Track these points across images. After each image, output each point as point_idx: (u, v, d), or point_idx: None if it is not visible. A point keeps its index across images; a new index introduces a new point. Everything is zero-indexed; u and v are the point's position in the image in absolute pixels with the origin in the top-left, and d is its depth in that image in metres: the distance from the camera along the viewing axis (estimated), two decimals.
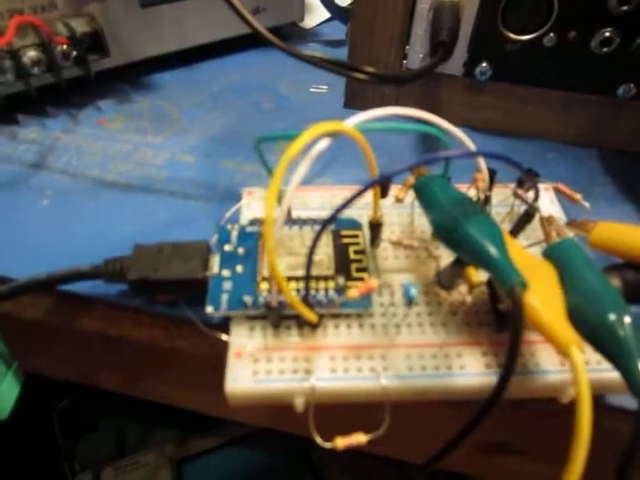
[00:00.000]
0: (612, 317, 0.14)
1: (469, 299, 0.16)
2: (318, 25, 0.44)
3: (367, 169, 0.26)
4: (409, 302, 0.15)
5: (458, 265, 0.16)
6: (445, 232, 0.16)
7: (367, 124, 0.15)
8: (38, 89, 0.30)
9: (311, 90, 0.34)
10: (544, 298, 0.15)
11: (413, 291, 0.15)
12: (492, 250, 0.15)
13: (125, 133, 0.30)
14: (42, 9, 0.29)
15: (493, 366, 0.17)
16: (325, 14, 0.43)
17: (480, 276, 0.16)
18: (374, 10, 0.28)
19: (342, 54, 0.32)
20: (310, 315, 0.16)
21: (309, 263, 0.15)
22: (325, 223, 0.15)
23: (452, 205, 0.17)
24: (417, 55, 0.29)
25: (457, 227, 0.16)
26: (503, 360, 0.17)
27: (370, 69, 0.24)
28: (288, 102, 0.34)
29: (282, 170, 0.13)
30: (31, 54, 0.28)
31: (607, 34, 0.26)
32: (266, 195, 0.13)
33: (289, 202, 0.14)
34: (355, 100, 0.32)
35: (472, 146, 0.18)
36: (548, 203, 0.23)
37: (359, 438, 0.17)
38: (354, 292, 0.16)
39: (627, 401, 0.19)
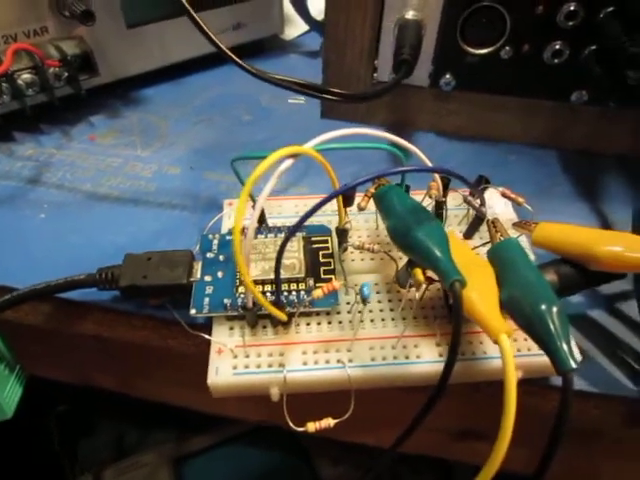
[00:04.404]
0: (543, 307, 0.17)
1: (417, 296, 0.18)
2: (299, 36, 0.46)
3: (340, 177, 0.29)
4: (363, 301, 0.17)
5: (411, 266, 0.19)
6: (399, 237, 0.19)
7: (326, 144, 0.17)
8: (32, 107, 0.32)
9: (289, 102, 0.37)
10: (481, 293, 0.17)
11: (367, 291, 0.17)
12: (437, 252, 0.17)
13: (116, 147, 0.32)
14: (34, 33, 0.31)
15: (445, 354, 0.19)
16: (305, 26, 0.45)
17: (422, 277, 0.18)
18: (344, 28, 0.30)
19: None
20: (280, 314, 0.18)
21: (277, 268, 0.18)
22: (288, 235, 0.17)
23: (406, 213, 0.19)
24: (387, 68, 0.31)
25: (409, 232, 0.18)
26: None
27: (338, 90, 0.27)
28: (268, 114, 0.36)
29: (247, 192, 0.15)
30: (25, 77, 0.30)
31: (557, 46, 0.28)
32: (235, 214, 0.15)
33: (258, 215, 0.17)
34: (331, 111, 0.34)
35: (427, 161, 0.20)
36: (502, 205, 0.25)
37: (328, 422, 0.19)
38: (319, 292, 0.18)
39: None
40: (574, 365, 0.16)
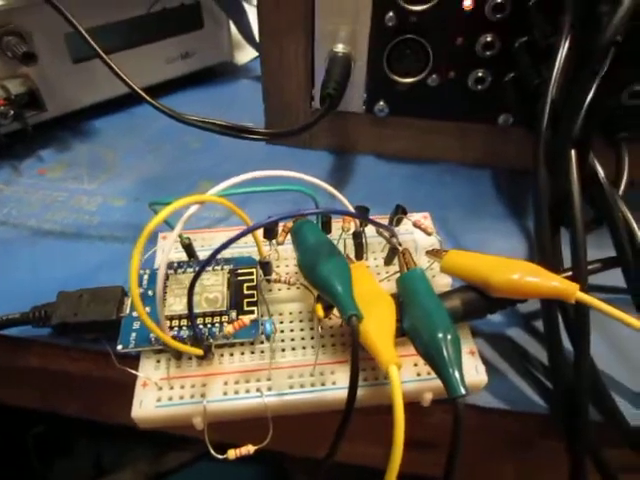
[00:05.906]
0: (440, 335, 0.18)
1: (320, 330, 0.19)
2: (250, 61, 0.47)
3: (281, 204, 0.29)
4: (267, 337, 0.18)
5: (318, 300, 0.20)
6: (306, 271, 0.20)
7: (232, 189, 0.19)
8: None
9: None
10: (377, 326, 0.18)
11: (269, 327, 0.18)
12: (338, 288, 0.18)
13: (63, 181, 0.33)
14: None
15: (359, 380, 0.20)
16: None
17: (321, 312, 0.19)
18: (279, 60, 0.32)
19: None
20: (192, 350, 0.19)
21: (190, 304, 0.19)
22: (196, 275, 0.18)
23: (314, 248, 0.20)
24: None
25: (315, 268, 0.19)
26: (367, 374, 0.21)
27: (261, 129, 0.28)
28: (216, 142, 0.36)
29: (142, 243, 0.16)
30: None
31: (480, 74, 0.29)
32: (131, 261, 0.16)
33: (165, 262, 0.18)
34: (275, 138, 0.36)
35: (340, 197, 0.22)
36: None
37: (247, 449, 0.20)
38: (230, 328, 0.19)
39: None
40: (463, 391, 0.17)
